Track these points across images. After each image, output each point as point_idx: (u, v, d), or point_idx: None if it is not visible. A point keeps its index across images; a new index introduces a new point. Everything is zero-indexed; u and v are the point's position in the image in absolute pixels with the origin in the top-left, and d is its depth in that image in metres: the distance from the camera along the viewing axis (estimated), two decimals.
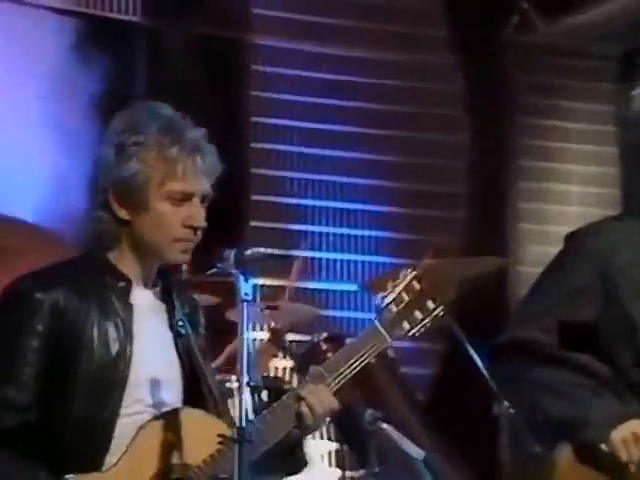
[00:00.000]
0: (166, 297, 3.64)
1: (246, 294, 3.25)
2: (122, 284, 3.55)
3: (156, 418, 3.49)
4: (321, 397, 3.48)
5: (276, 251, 5.09)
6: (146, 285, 3.59)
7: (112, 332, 3.52)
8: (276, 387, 5.99)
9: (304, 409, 3.48)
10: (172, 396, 3.55)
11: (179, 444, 3.48)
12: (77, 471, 3.36)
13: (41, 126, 6.98)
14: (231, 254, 3.19)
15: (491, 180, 8.55)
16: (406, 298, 3.60)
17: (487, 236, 8.40)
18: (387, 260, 8.12)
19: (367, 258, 8.30)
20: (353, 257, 8.32)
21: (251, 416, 5.13)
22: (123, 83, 7.42)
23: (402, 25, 8.41)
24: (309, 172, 7.92)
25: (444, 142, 8.44)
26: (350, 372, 3.56)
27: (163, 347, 3.62)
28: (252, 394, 5.74)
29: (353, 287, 7.69)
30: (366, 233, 8.24)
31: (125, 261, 3.58)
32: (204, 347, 3.72)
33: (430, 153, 8.41)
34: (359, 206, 8.17)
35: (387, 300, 3.65)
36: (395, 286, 3.64)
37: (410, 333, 3.62)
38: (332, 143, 8.06)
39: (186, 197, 3.43)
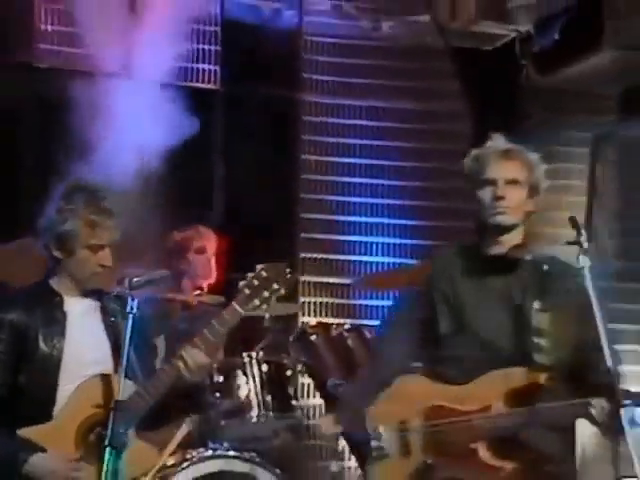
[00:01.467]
0: (99, 300, 4.68)
1: (132, 308, 4.19)
2: (57, 299, 4.61)
3: (86, 382, 4.46)
4: (193, 356, 4.44)
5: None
6: (82, 295, 4.64)
7: (51, 334, 4.56)
8: (276, 361, 6.67)
9: (180, 363, 4.42)
10: (104, 369, 4.53)
11: (102, 399, 4.43)
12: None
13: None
14: (126, 280, 4.20)
15: None
16: (256, 283, 4.57)
17: None
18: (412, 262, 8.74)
19: (395, 260, 8.79)
20: (383, 260, 8.81)
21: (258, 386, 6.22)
22: (205, 139, 8.14)
23: (424, 81, 8.93)
24: (349, 196, 8.71)
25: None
26: (218, 338, 4.60)
27: (95, 337, 4.64)
28: (259, 367, 6.49)
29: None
30: (394, 241, 8.88)
31: (62, 283, 4.64)
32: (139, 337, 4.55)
33: (449, 177, 8.62)
34: (390, 220, 8.85)
35: (241, 284, 4.65)
36: (250, 276, 4.63)
37: (260, 307, 4.66)
38: (368, 173, 8.80)
39: (100, 247, 4.55)
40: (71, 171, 7.35)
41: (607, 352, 4.01)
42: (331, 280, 8.26)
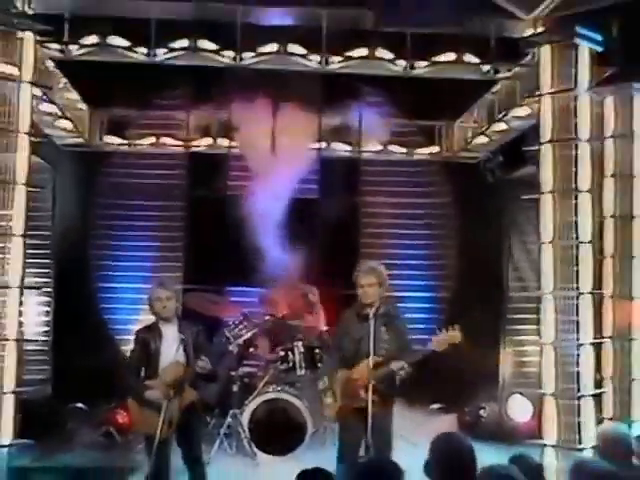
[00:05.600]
0: (179, 326, 6.30)
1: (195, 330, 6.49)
2: (159, 328, 6.34)
3: (169, 364, 6.19)
4: (206, 361, 6.18)
5: None
6: (168, 322, 6.33)
7: (156, 343, 6.29)
8: (308, 345, 8.87)
9: (200, 363, 6.14)
10: (177, 359, 6.26)
11: (175, 372, 6.19)
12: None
13: None
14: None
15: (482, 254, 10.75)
16: (239, 324, 7.02)
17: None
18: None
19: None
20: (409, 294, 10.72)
21: (300, 358, 8.60)
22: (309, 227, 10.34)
23: (430, 185, 11.21)
24: (393, 255, 10.67)
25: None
26: (220, 350, 6.58)
27: (175, 344, 6.28)
28: (300, 348, 8.72)
29: None
30: (415, 282, 10.98)
31: (160, 322, 6.36)
32: (195, 339, 6.28)
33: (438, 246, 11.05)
34: (414, 271, 10.96)
35: (231, 326, 6.91)
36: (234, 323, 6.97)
37: (239, 338, 6.90)
38: (401, 242, 11.01)
39: (160, 300, 6.29)
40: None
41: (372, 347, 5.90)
42: None
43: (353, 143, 11.25)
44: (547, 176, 7.70)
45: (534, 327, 9.09)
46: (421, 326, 10.43)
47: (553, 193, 7.66)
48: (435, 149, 11.44)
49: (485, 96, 10.18)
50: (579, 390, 7.58)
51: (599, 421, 7.58)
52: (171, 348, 6.33)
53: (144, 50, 8.27)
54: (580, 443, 7.46)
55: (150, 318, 6.70)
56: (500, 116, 9.69)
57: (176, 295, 6.56)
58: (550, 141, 7.71)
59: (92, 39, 8.29)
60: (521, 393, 9.58)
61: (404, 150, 11.35)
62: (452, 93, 10.00)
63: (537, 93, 7.82)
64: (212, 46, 8.35)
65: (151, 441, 6.15)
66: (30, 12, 7.81)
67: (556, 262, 7.64)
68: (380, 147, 11.25)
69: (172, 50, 8.36)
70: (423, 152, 11.41)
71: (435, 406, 10.40)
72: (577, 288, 7.60)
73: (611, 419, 7.84)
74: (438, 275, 11.35)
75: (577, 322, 7.62)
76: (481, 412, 9.99)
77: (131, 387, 6.48)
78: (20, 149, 7.51)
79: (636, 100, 8.23)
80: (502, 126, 9.92)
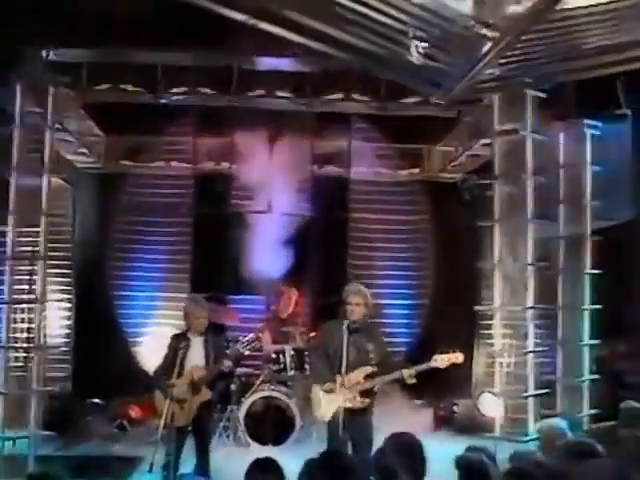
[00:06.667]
0: (204, 337, 7.07)
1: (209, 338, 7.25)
2: (187, 336, 7.12)
3: (192, 366, 6.97)
4: (227, 363, 6.99)
5: None
6: (198, 334, 7.11)
7: (185, 349, 6.99)
8: (298, 348, 9.65)
9: (225, 362, 6.93)
10: (199, 362, 7.08)
11: (197, 373, 7.00)
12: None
13: None
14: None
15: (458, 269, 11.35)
16: (245, 342, 7.76)
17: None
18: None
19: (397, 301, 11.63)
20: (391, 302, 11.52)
21: (290, 359, 9.46)
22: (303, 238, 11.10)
23: (414, 204, 11.84)
24: (374, 261, 11.66)
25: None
26: (234, 356, 7.17)
27: (199, 350, 7.12)
28: (290, 351, 9.46)
29: None
30: (398, 290, 11.67)
31: (190, 332, 7.12)
32: (215, 348, 7.07)
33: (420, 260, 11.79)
34: (397, 281, 11.66)
35: (238, 343, 7.75)
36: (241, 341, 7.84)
37: (244, 351, 7.43)
38: (385, 255, 11.70)
39: (198, 319, 7.11)
40: None
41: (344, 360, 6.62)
42: None
43: (343, 165, 12.05)
44: (497, 205, 8.69)
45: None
46: (403, 330, 11.56)
47: (501, 221, 8.64)
48: (417, 170, 12.25)
49: (460, 125, 11.05)
50: (526, 390, 8.50)
51: (547, 417, 8.02)
52: (196, 354, 7.26)
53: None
54: (527, 436, 8.35)
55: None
56: (471, 143, 10.59)
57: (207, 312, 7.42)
58: (500, 175, 8.69)
59: (106, 85, 9.34)
60: (491, 392, 9.92)
61: (389, 171, 12.18)
62: (433, 120, 10.89)
63: (490, 133, 8.79)
64: (209, 90, 9.37)
65: (170, 430, 7.00)
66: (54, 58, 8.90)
67: (506, 280, 8.59)
68: (367, 169, 12.06)
69: (175, 94, 9.38)
70: (406, 173, 12.23)
71: (418, 402, 11.13)
72: (525, 303, 8.54)
73: (559, 415, 8.49)
74: (418, 284, 12.02)
75: (525, 332, 8.56)
76: (454, 408, 10.76)
77: (158, 384, 7.31)
78: (42, 184, 8.52)
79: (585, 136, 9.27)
80: (473, 152, 10.82)
